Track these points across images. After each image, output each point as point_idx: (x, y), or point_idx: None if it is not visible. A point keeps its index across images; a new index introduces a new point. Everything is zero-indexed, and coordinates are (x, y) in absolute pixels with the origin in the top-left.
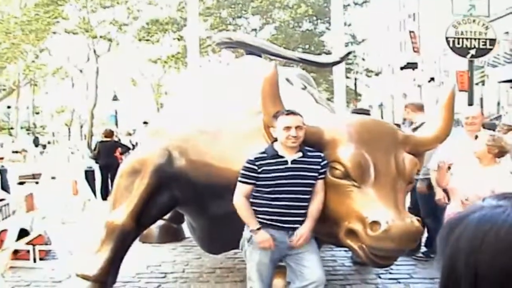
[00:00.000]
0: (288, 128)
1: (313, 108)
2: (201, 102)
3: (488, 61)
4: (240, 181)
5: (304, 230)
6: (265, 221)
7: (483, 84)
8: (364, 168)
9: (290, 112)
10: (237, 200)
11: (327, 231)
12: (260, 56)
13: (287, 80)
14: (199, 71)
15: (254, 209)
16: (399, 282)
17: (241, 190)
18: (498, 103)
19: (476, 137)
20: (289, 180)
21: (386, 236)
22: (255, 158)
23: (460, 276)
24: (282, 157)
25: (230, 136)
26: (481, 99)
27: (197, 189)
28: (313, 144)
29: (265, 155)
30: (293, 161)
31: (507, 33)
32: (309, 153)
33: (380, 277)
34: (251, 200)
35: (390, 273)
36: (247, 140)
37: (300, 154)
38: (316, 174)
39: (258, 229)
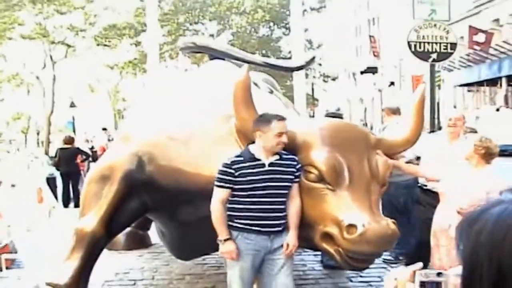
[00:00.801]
0: (280, 134)
1: (284, 112)
2: (170, 107)
3: (444, 66)
4: (217, 186)
5: (292, 239)
6: (244, 226)
7: (439, 88)
8: (338, 171)
9: (282, 118)
10: (213, 205)
11: (302, 235)
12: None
13: (255, 84)
14: (166, 75)
15: (232, 214)
16: (370, 285)
17: (218, 195)
18: (455, 107)
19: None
20: (267, 183)
21: (363, 239)
22: (232, 162)
23: (483, 271)
24: (259, 160)
25: (200, 141)
26: (438, 103)
27: (167, 195)
28: (286, 147)
29: (241, 158)
30: (270, 164)
31: (462, 37)
32: (284, 156)
33: (351, 281)
34: (228, 205)
35: (361, 276)
36: (218, 145)
37: (277, 156)
38: (292, 177)
39: (227, 239)
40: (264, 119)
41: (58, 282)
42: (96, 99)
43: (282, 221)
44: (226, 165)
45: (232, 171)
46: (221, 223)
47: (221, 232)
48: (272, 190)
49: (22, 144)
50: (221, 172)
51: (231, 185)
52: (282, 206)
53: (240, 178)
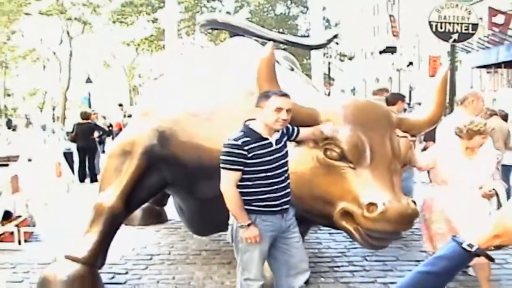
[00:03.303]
0: (279, 109)
1: (306, 89)
2: (192, 83)
3: (462, 47)
4: (227, 168)
5: None
6: (262, 208)
7: (456, 70)
8: (360, 149)
9: (283, 94)
10: (227, 189)
11: (320, 212)
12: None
13: (277, 61)
14: (190, 51)
15: (247, 199)
16: (385, 265)
17: (231, 178)
18: (471, 88)
19: None
20: (278, 162)
21: (383, 218)
22: (243, 143)
23: None
24: (266, 139)
25: (222, 117)
26: (455, 85)
27: (187, 171)
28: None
29: (249, 138)
30: (277, 142)
31: (481, 19)
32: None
33: (366, 260)
34: (241, 189)
35: (377, 255)
36: (240, 121)
37: (279, 133)
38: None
39: (249, 224)
40: (264, 95)
41: (77, 255)
42: (112, 75)
43: (290, 197)
44: (236, 146)
45: (245, 152)
46: (240, 207)
47: (242, 217)
48: (282, 169)
49: (38, 119)
50: (232, 154)
51: (242, 167)
52: (289, 182)
53: (252, 160)
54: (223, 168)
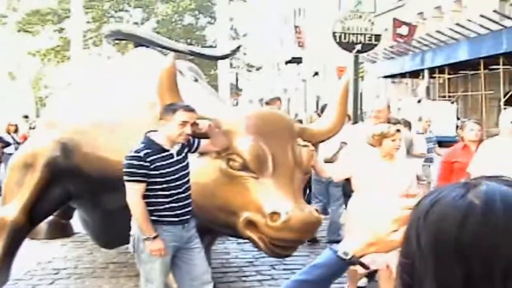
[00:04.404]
0: (184, 123)
1: (209, 100)
2: (96, 94)
3: (368, 57)
4: (131, 180)
5: None
6: (163, 218)
7: (362, 80)
8: (262, 159)
9: (190, 109)
10: (134, 201)
11: (224, 223)
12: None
13: (180, 72)
14: (93, 62)
15: (149, 208)
16: (294, 273)
17: (135, 190)
18: (377, 97)
19: None
20: (179, 174)
21: (286, 226)
22: (145, 154)
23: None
24: (168, 150)
25: (126, 128)
26: (361, 94)
27: (91, 183)
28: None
29: (150, 150)
30: (177, 153)
31: (386, 29)
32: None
33: (274, 268)
34: (143, 199)
35: (284, 263)
36: (143, 133)
37: (179, 145)
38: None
39: (156, 236)
40: (170, 108)
41: None
42: (17, 86)
43: (191, 208)
44: (139, 158)
45: (147, 164)
46: (146, 219)
47: (148, 229)
48: (182, 180)
49: None
50: (134, 166)
51: (146, 179)
52: (190, 193)
53: (154, 171)
54: (127, 180)
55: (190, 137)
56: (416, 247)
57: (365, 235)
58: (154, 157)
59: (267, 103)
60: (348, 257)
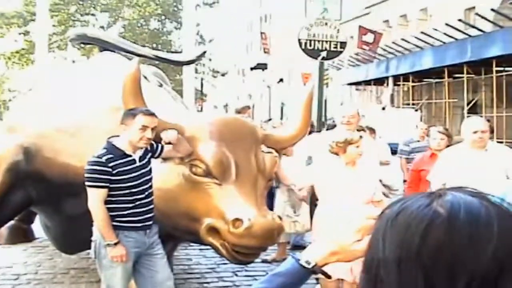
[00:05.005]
0: (144, 128)
1: (173, 105)
2: (59, 98)
3: (333, 64)
4: (93, 186)
5: None
6: (125, 223)
7: (327, 86)
8: (225, 166)
9: (150, 113)
10: (95, 207)
11: (187, 229)
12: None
13: (144, 77)
14: (56, 66)
15: (111, 214)
16: (255, 279)
17: (97, 196)
18: (341, 105)
19: None
20: (142, 179)
21: (249, 233)
22: (107, 160)
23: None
24: (130, 156)
25: (88, 133)
26: (325, 101)
27: (53, 188)
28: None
29: (112, 155)
30: (140, 159)
31: (352, 37)
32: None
33: (236, 275)
34: (105, 205)
35: (246, 270)
36: (106, 138)
37: (142, 150)
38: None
39: (117, 243)
40: (130, 113)
41: None
42: None
43: (153, 214)
44: (101, 163)
45: (109, 169)
46: (108, 225)
47: (109, 235)
48: (145, 185)
49: None
50: (97, 171)
51: (107, 184)
52: (152, 198)
53: (117, 177)
54: (89, 186)
55: (153, 142)
56: (380, 256)
57: (328, 244)
58: (116, 162)
59: (238, 112)
60: (311, 265)
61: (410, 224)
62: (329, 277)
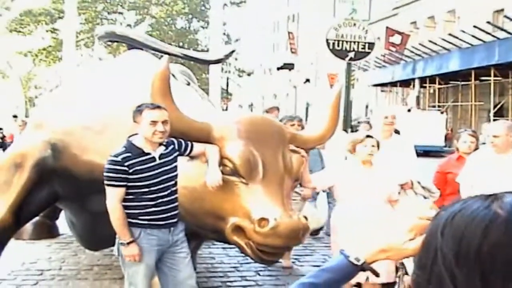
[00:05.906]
0: (154, 122)
1: (201, 104)
2: (87, 96)
3: (359, 65)
4: (111, 185)
5: None
6: (147, 222)
7: (353, 87)
8: (252, 165)
9: (156, 106)
10: (112, 206)
11: (212, 227)
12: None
13: (172, 75)
14: (86, 64)
15: (133, 212)
16: (278, 279)
17: (114, 195)
18: (367, 106)
19: None
20: (161, 177)
21: (274, 233)
22: (123, 159)
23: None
24: (149, 154)
25: (115, 130)
26: (351, 102)
27: (79, 184)
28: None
29: (130, 154)
30: (160, 157)
31: (379, 38)
32: (167, 144)
33: (259, 274)
34: (126, 203)
35: (269, 270)
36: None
37: (164, 147)
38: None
39: (130, 242)
40: (137, 110)
41: None
42: (7, 86)
43: (177, 212)
44: (117, 163)
45: (126, 168)
46: (123, 224)
47: (124, 234)
48: (166, 183)
49: None
50: (113, 171)
51: (125, 183)
52: (176, 196)
53: (134, 175)
54: (107, 184)
55: (182, 140)
56: (438, 253)
57: (376, 241)
58: (133, 161)
59: (266, 112)
60: (360, 262)
61: (470, 224)
62: (377, 274)
